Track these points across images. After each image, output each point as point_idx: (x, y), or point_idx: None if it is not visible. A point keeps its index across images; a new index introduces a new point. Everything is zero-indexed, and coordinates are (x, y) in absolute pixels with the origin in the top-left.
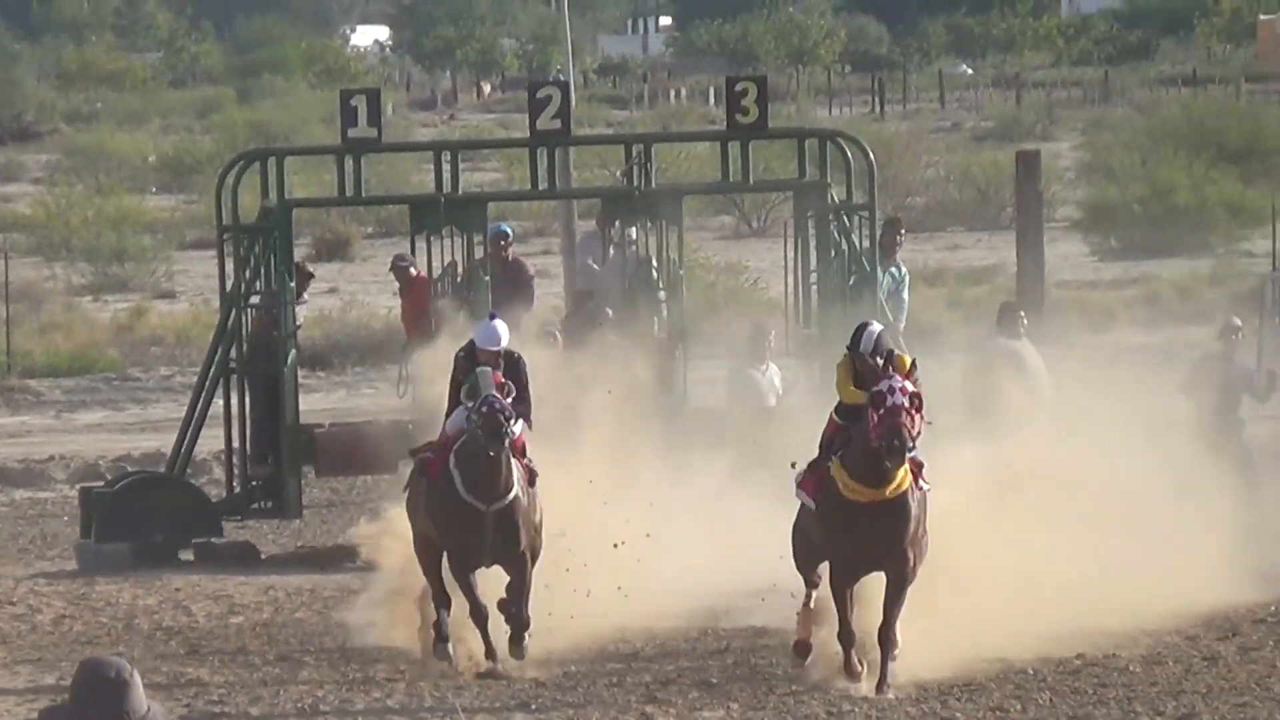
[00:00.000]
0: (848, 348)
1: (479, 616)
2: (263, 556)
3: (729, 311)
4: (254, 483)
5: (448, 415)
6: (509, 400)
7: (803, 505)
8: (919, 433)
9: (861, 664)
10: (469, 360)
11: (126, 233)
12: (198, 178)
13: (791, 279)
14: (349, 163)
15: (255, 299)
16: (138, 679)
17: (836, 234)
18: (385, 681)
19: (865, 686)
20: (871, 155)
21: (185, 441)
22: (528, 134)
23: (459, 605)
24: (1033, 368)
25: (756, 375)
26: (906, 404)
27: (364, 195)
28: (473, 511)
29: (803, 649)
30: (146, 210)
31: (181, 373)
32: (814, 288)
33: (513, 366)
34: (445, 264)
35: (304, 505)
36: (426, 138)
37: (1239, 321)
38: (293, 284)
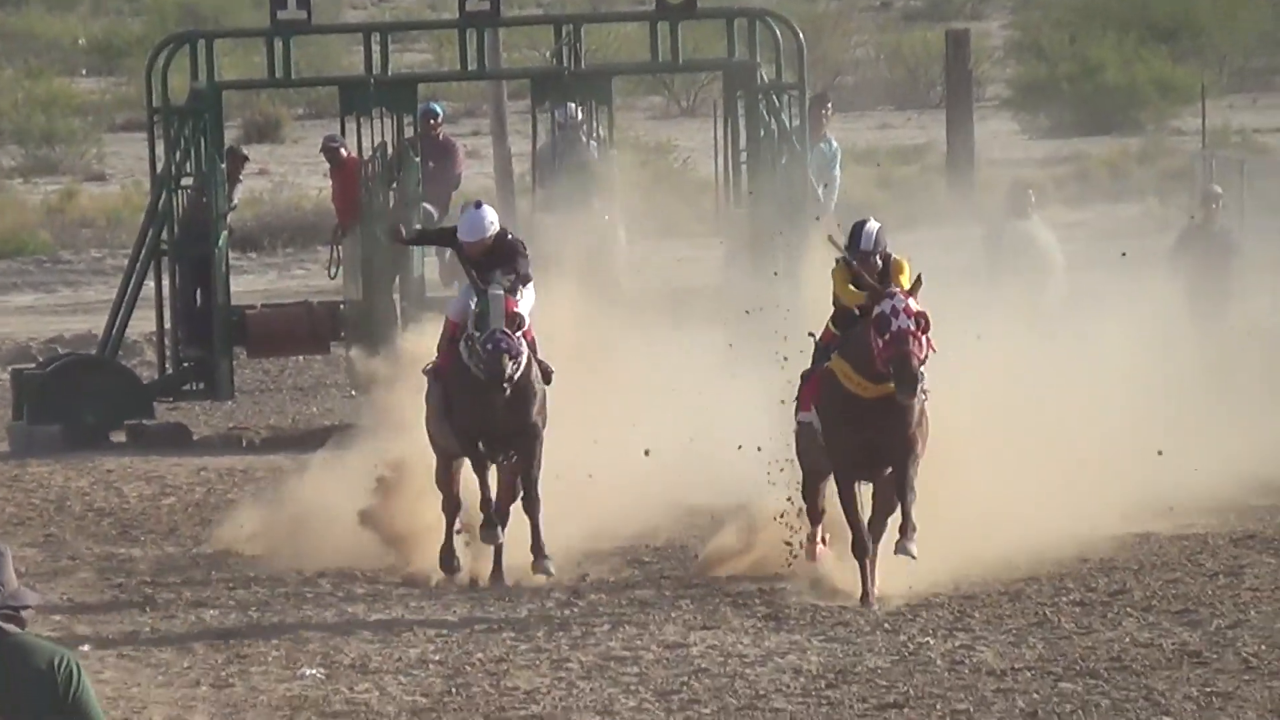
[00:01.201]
0: (845, 249)
1: (454, 511)
2: (194, 438)
3: (660, 191)
4: (185, 364)
5: (427, 237)
6: (519, 332)
7: (801, 425)
8: (927, 357)
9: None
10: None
11: (56, 115)
12: (128, 60)
13: (721, 159)
14: (278, 45)
15: (186, 181)
16: (9, 557)
17: (766, 113)
18: (309, 555)
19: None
20: (801, 35)
21: (116, 324)
22: (457, 15)
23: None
24: (1044, 248)
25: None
26: (912, 327)
27: (294, 77)
28: (484, 387)
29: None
30: (76, 93)
31: (112, 255)
32: (744, 167)
33: (504, 247)
34: (375, 145)
35: (235, 386)
36: (356, 20)
37: (1219, 189)
38: (224, 166)
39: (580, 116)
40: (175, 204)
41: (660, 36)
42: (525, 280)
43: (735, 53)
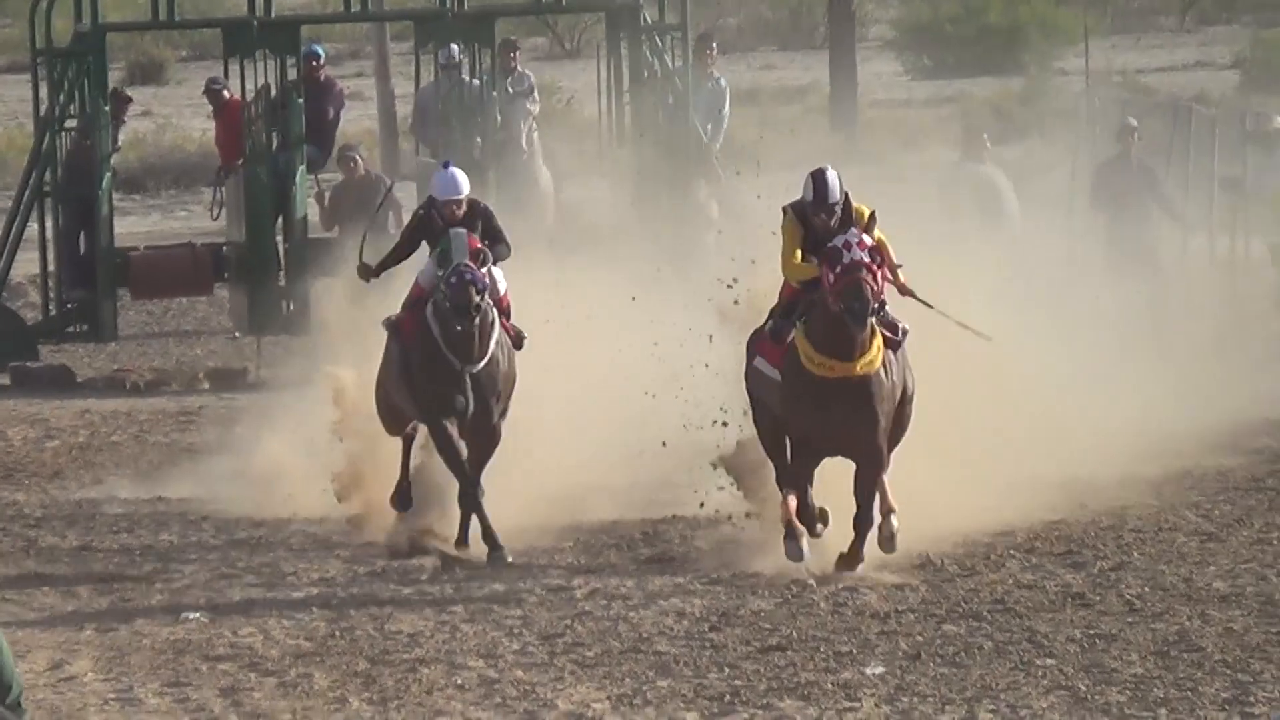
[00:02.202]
0: (796, 204)
1: (455, 460)
2: (78, 380)
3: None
4: (69, 306)
5: (392, 256)
6: (483, 268)
7: (765, 381)
8: (882, 291)
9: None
10: (429, 215)
11: None
12: (11, 2)
13: (604, 100)
14: None
15: (70, 124)
16: None
17: (649, 54)
18: (201, 503)
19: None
20: None
21: (0, 266)
22: None
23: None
24: (1000, 190)
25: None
26: (866, 259)
27: (177, 19)
28: (450, 370)
29: (795, 538)
30: None
31: None
32: (627, 108)
33: (480, 215)
34: (258, 87)
35: (119, 329)
36: None
37: (1134, 121)
38: (107, 108)
39: (460, 58)
40: (59, 146)
41: None
42: (500, 251)
43: None
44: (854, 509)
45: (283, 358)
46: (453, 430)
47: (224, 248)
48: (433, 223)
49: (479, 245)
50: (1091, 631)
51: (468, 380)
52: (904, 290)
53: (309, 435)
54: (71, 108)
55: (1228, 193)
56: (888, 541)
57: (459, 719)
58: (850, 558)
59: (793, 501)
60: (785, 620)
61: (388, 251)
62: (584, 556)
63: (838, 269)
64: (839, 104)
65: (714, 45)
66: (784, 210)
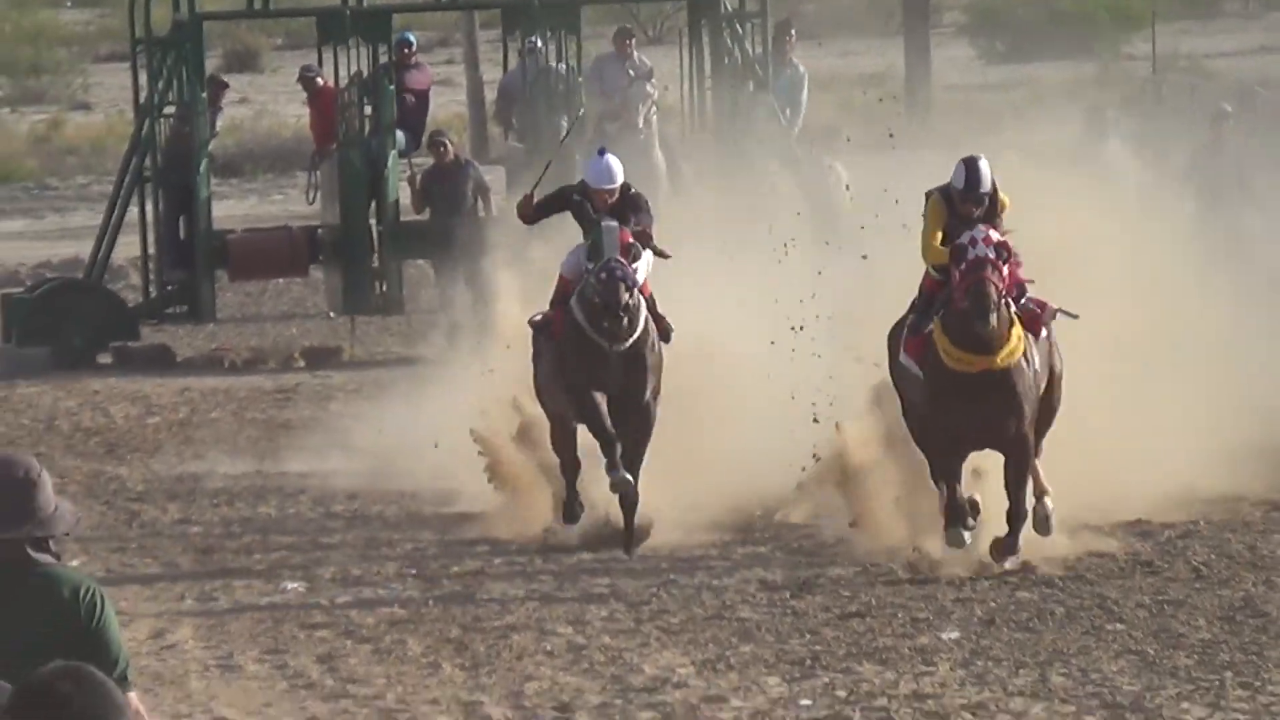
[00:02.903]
0: (943, 188)
1: (574, 472)
2: (178, 359)
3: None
4: (169, 288)
5: (547, 206)
6: (634, 264)
7: (910, 377)
8: (1009, 286)
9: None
10: (583, 201)
11: (43, 46)
12: None
13: (687, 85)
14: None
15: (169, 110)
16: (46, 478)
17: (730, 41)
18: (299, 477)
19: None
20: None
21: (102, 248)
22: None
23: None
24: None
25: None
26: (992, 255)
27: (272, 9)
28: (599, 350)
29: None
30: (62, 24)
31: (98, 182)
32: (709, 94)
33: (630, 202)
34: (351, 74)
35: (217, 309)
36: None
37: (1229, 107)
38: (205, 95)
39: (541, 46)
40: (158, 132)
41: None
42: (648, 237)
43: None
44: (1005, 500)
45: (376, 337)
46: (601, 402)
47: (319, 230)
48: (584, 209)
49: (630, 240)
50: (1160, 598)
51: (616, 360)
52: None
53: (407, 409)
54: (170, 95)
55: None
56: (1043, 524)
57: (548, 684)
58: (1003, 547)
59: (948, 493)
60: (864, 588)
61: (549, 199)
62: (670, 528)
63: (962, 266)
64: (914, 89)
65: (793, 32)
66: (927, 195)
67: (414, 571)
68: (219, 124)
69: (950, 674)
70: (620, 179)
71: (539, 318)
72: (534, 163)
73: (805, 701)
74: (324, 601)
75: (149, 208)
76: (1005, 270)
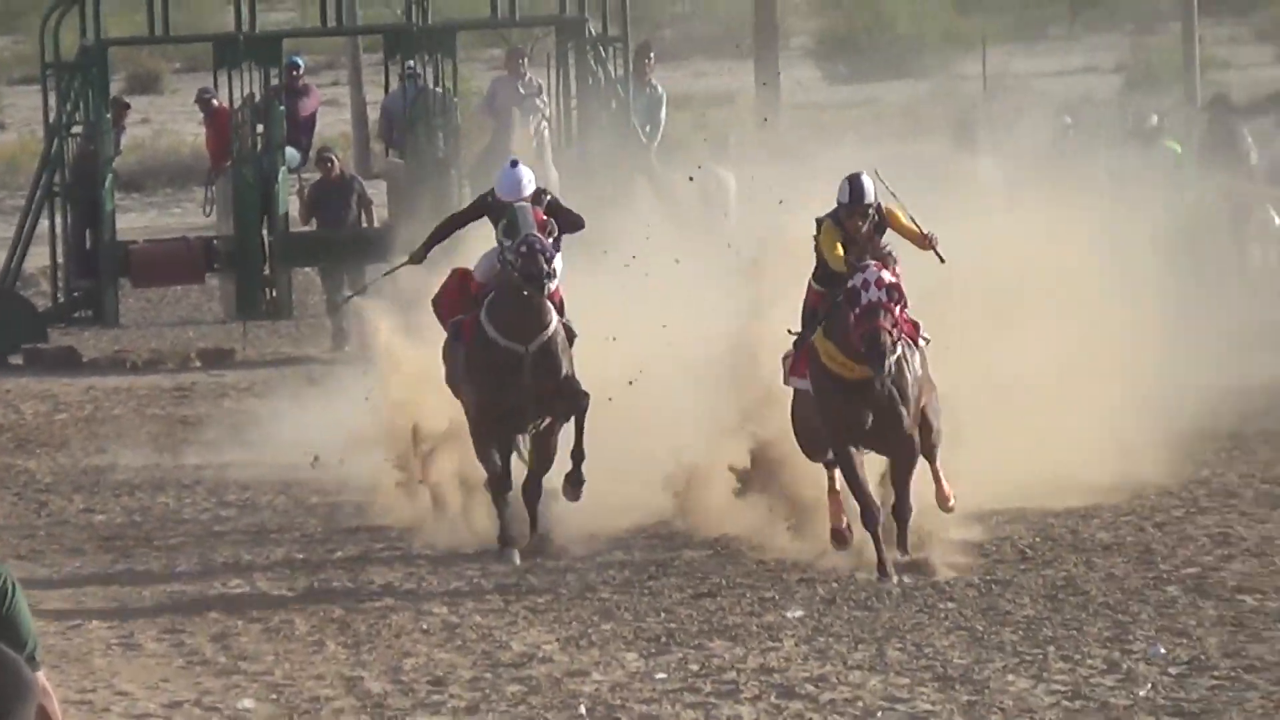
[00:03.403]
0: (832, 212)
1: (500, 486)
2: (84, 360)
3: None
4: (76, 294)
5: (433, 238)
6: (551, 239)
7: (797, 392)
8: (900, 327)
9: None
10: (490, 205)
11: None
12: (24, 19)
13: (554, 105)
14: (158, 5)
15: (76, 129)
16: None
17: (594, 63)
18: (195, 469)
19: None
20: None
21: (15, 258)
22: None
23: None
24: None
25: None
26: (884, 298)
27: (171, 35)
28: (512, 354)
29: (839, 538)
30: None
31: (11, 196)
32: (574, 112)
33: (550, 207)
34: (244, 95)
35: (120, 314)
36: None
37: (1069, 119)
38: (109, 115)
39: (420, 69)
40: (66, 150)
41: None
42: (575, 219)
43: (566, 9)
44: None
45: (266, 339)
46: (520, 442)
47: (214, 241)
48: (486, 204)
49: (544, 217)
50: (988, 578)
51: (529, 360)
52: (926, 245)
53: (295, 406)
54: (77, 115)
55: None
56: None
57: (424, 660)
58: (901, 543)
59: (838, 509)
60: (715, 569)
61: (455, 214)
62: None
63: (856, 310)
64: (764, 108)
65: (652, 55)
66: (817, 222)
67: (301, 556)
68: (122, 142)
69: (794, 649)
70: (531, 189)
71: (455, 322)
72: (414, 177)
73: (661, 675)
74: (218, 584)
75: (58, 220)
76: (897, 311)
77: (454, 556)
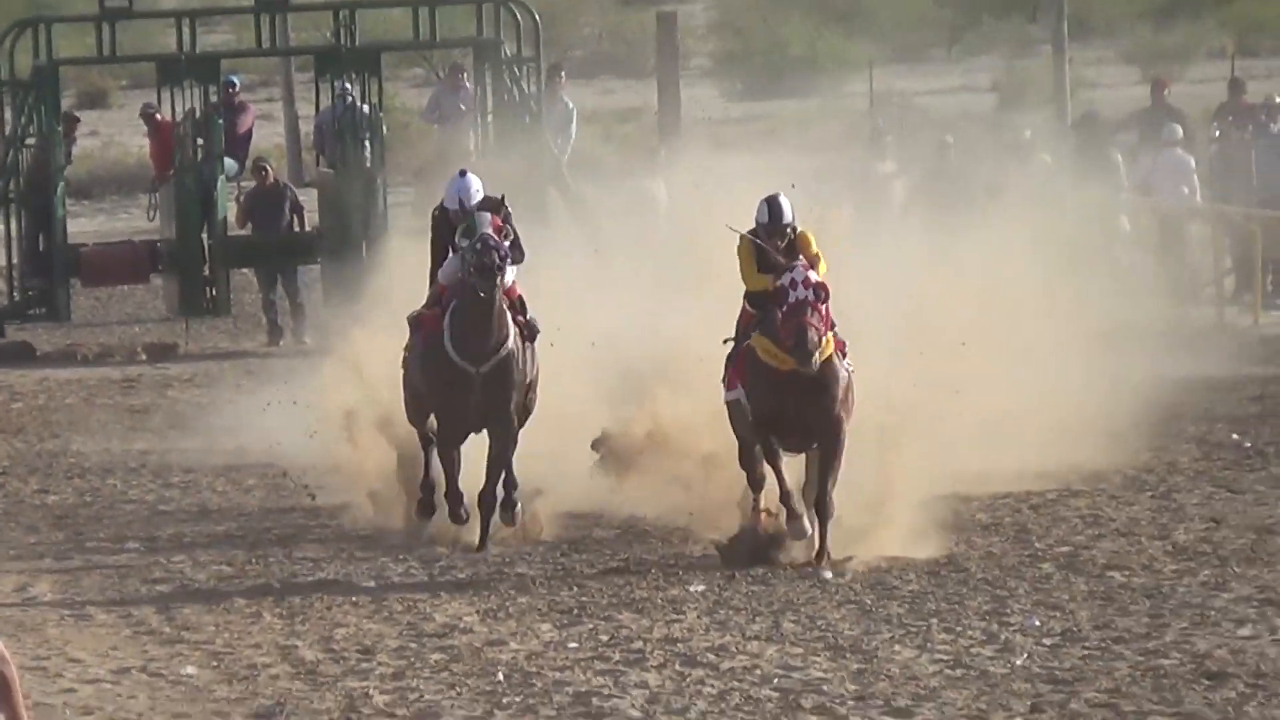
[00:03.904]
0: (753, 230)
1: (455, 497)
2: (38, 353)
3: (422, 146)
4: (30, 293)
5: (432, 275)
6: (507, 242)
7: (730, 404)
8: (827, 327)
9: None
10: (444, 217)
11: None
12: None
13: (474, 120)
14: (106, 29)
15: (30, 141)
16: None
17: (509, 82)
18: (141, 453)
19: (803, 554)
20: (537, 16)
21: None
22: (253, 2)
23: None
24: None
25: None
26: (811, 297)
27: (118, 55)
28: (463, 374)
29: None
30: None
31: None
32: (490, 127)
33: (493, 210)
34: (186, 110)
35: (71, 311)
36: (170, 6)
37: (950, 138)
38: (61, 129)
39: (350, 87)
40: (20, 160)
41: (421, 18)
42: (514, 251)
43: (483, 31)
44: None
45: (207, 334)
46: (456, 455)
47: (158, 244)
48: (448, 220)
49: (501, 224)
50: (876, 555)
51: (479, 381)
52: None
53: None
54: (31, 129)
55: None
56: (820, 554)
57: (354, 630)
58: (819, 553)
59: (761, 503)
60: (623, 546)
61: (430, 272)
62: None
63: (784, 308)
64: (666, 122)
65: (563, 74)
66: (741, 236)
67: (240, 534)
68: (73, 153)
69: (697, 621)
70: (479, 197)
71: (415, 314)
72: (342, 185)
73: (573, 645)
74: (162, 560)
75: (13, 225)
76: (824, 309)
77: (382, 535)
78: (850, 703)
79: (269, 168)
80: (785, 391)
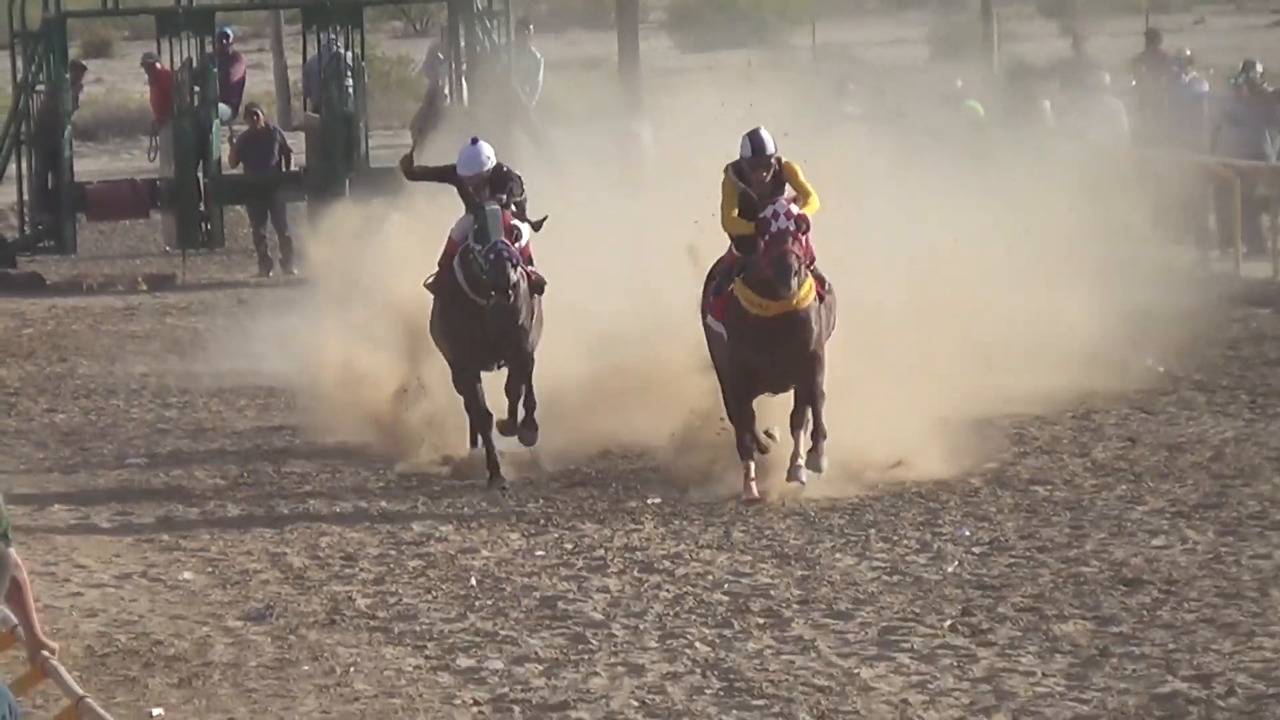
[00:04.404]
0: (735, 163)
1: (484, 423)
2: (47, 283)
3: (400, 93)
4: (40, 227)
5: (430, 174)
6: (517, 244)
7: (717, 337)
8: (806, 253)
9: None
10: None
11: None
12: None
13: (449, 69)
14: None
15: (40, 88)
16: None
17: (481, 34)
18: (141, 375)
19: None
20: None
21: None
22: None
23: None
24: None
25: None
26: (792, 228)
27: (121, 7)
28: (474, 306)
29: (754, 504)
30: None
31: None
32: (463, 77)
33: (503, 180)
34: (183, 60)
35: (78, 243)
36: None
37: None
38: (68, 76)
39: (335, 38)
40: (31, 106)
41: None
42: (522, 209)
43: None
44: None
45: (202, 266)
46: (478, 384)
47: (158, 182)
48: (467, 191)
49: (512, 222)
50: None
51: (490, 313)
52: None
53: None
54: (40, 76)
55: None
56: (817, 461)
57: (337, 539)
58: (813, 458)
59: (752, 471)
60: (585, 462)
61: (434, 167)
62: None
63: (766, 238)
64: (626, 71)
65: (531, 26)
66: (725, 170)
67: (233, 450)
68: (79, 99)
69: (654, 530)
70: (490, 164)
71: (431, 279)
72: (326, 128)
73: (540, 553)
74: (161, 474)
75: (24, 165)
76: (804, 240)
77: (363, 449)
78: (795, 606)
79: (260, 113)
80: (766, 337)
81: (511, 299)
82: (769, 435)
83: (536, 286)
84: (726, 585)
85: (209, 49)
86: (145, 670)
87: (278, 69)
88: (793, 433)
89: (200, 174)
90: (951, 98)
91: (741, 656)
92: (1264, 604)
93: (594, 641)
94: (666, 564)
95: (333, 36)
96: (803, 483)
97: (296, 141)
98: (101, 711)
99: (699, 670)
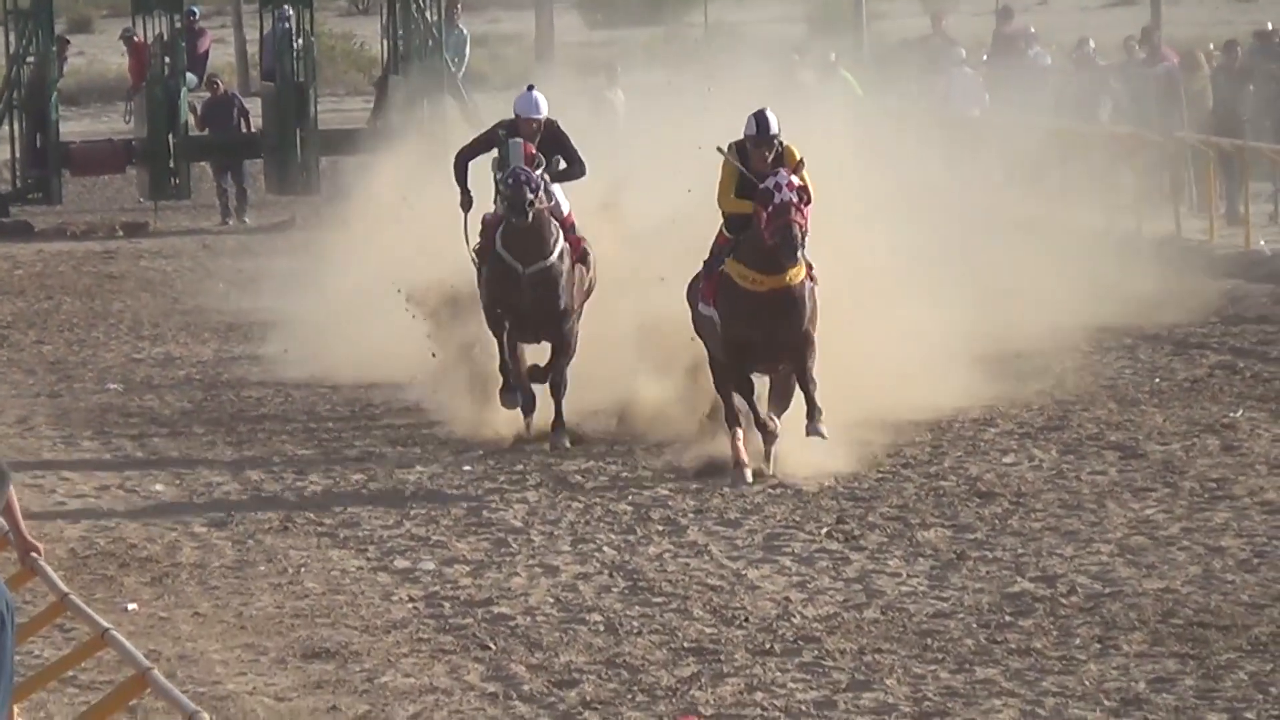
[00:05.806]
0: (737, 142)
1: (526, 389)
2: (35, 230)
3: (345, 64)
4: (29, 181)
5: (459, 177)
6: (539, 171)
7: (702, 316)
8: (807, 227)
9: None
10: (508, 130)
11: None
12: None
13: (385, 43)
14: None
15: (30, 59)
16: None
17: (415, 12)
18: (119, 311)
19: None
20: None
21: None
22: None
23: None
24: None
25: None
26: (795, 199)
27: None
28: (512, 271)
29: (741, 468)
30: None
31: None
32: (400, 48)
33: (553, 134)
34: (156, 35)
35: (63, 195)
36: None
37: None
38: (55, 49)
39: (290, 14)
40: (21, 75)
41: None
42: (575, 170)
43: None
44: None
45: (172, 215)
46: (510, 341)
47: (133, 142)
48: (496, 136)
49: (534, 152)
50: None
51: (527, 280)
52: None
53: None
54: (30, 49)
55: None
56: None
57: (289, 455)
58: (811, 423)
59: (740, 437)
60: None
61: (472, 142)
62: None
63: (769, 208)
64: (541, 46)
65: (459, 5)
66: (725, 158)
67: (198, 378)
68: (64, 69)
69: (567, 450)
70: (545, 112)
71: (477, 246)
72: (280, 95)
73: (467, 468)
74: (135, 398)
75: (15, 127)
76: (806, 212)
77: (313, 381)
78: (690, 515)
79: (221, 81)
80: (758, 313)
81: (529, 217)
82: (772, 419)
83: (580, 258)
84: (630, 497)
85: (178, 25)
86: (121, 570)
87: (238, 43)
88: (803, 387)
89: (170, 135)
90: (825, 68)
91: (644, 559)
92: (1100, 514)
93: (514, 546)
94: (578, 479)
95: (286, 14)
96: (824, 436)
97: (254, 106)
98: (83, 606)
99: (606, 571)
